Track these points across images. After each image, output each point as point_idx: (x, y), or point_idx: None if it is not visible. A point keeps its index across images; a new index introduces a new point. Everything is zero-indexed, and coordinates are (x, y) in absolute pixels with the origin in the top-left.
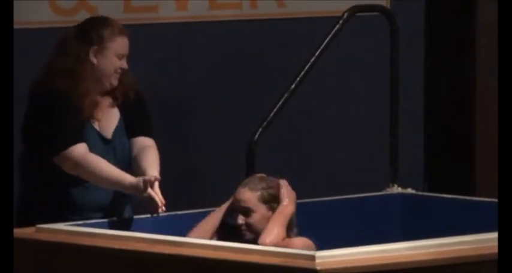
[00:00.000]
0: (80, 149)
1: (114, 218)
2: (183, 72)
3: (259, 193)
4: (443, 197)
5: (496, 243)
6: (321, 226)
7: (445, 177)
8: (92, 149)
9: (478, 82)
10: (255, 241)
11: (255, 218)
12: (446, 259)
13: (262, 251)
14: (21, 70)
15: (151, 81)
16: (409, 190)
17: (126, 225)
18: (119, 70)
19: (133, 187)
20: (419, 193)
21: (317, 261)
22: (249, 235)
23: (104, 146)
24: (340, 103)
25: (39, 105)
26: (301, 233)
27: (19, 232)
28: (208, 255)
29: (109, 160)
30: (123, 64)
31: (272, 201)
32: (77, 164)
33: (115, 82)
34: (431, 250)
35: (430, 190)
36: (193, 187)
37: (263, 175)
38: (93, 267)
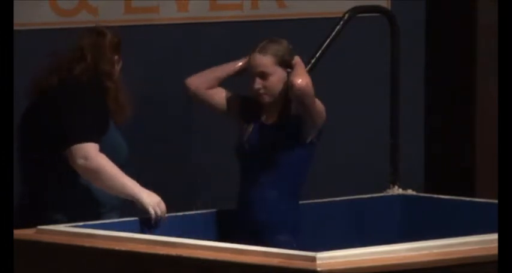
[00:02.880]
0: (92, 148)
1: (114, 219)
2: (183, 73)
3: (273, 56)
4: (444, 199)
5: (496, 244)
6: (322, 227)
7: (445, 178)
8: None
9: (478, 82)
10: (273, 107)
11: (272, 81)
12: (446, 260)
13: (262, 252)
14: (21, 70)
15: (152, 82)
16: (410, 191)
17: (126, 226)
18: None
19: (144, 208)
20: (420, 194)
21: (318, 262)
22: (267, 98)
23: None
24: (341, 103)
25: (67, 97)
26: (301, 233)
27: (19, 233)
28: (208, 257)
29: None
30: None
31: (285, 64)
32: (87, 161)
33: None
34: (432, 251)
35: (430, 191)
36: (192, 188)
37: (272, 38)
38: (93, 268)
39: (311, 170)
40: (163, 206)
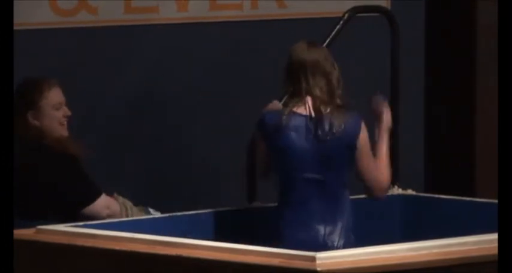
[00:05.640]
0: (103, 198)
1: (114, 219)
2: (183, 73)
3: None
4: (444, 198)
5: (496, 244)
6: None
7: (445, 178)
8: None
9: (478, 82)
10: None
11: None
12: (446, 260)
13: (262, 252)
14: (21, 70)
15: (152, 82)
16: (410, 191)
17: (126, 226)
18: (64, 120)
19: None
20: (420, 194)
21: (317, 262)
22: None
23: None
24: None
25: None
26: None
27: (19, 233)
28: (208, 257)
29: None
30: (66, 111)
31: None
32: (110, 209)
33: (64, 133)
34: (432, 251)
35: (430, 191)
36: (193, 188)
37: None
38: (93, 268)
39: None
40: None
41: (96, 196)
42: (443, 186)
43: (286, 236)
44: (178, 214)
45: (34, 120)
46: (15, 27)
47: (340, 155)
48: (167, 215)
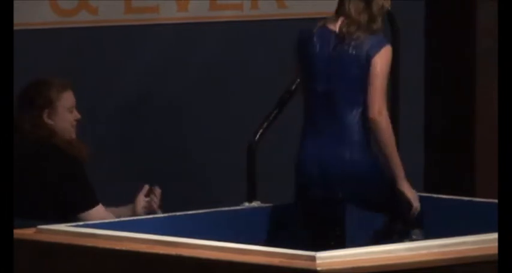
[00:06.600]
0: (100, 209)
1: (114, 219)
2: (183, 73)
3: None
4: (444, 198)
5: (496, 244)
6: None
7: (445, 178)
8: None
9: (478, 82)
10: None
11: None
12: (446, 260)
13: (262, 252)
14: (21, 70)
15: (152, 82)
16: None
17: (126, 226)
18: (74, 123)
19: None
20: (420, 194)
21: (318, 261)
22: None
23: None
24: None
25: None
26: (301, 234)
27: (19, 233)
28: (209, 256)
29: None
30: (77, 114)
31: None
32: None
33: (73, 135)
34: (432, 251)
35: (430, 191)
36: (193, 188)
37: None
38: (93, 268)
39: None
40: None
41: (93, 205)
42: (443, 186)
43: (302, 147)
44: (178, 213)
45: (48, 119)
46: (15, 27)
47: (354, 72)
48: (167, 215)
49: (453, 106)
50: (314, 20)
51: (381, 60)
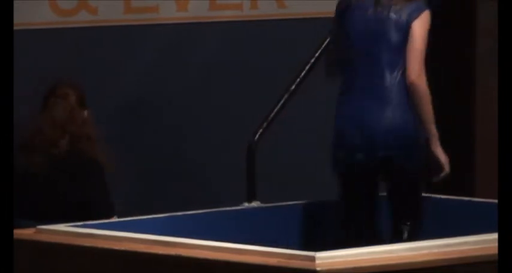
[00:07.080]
0: None
1: (114, 219)
2: (183, 73)
3: None
4: (444, 198)
5: (496, 244)
6: (322, 226)
7: (445, 178)
8: None
9: (478, 82)
10: None
11: None
12: (446, 260)
13: (261, 252)
14: (21, 70)
15: (152, 82)
16: None
17: (126, 226)
18: None
19: None
20: None
21: (317, 262)
22: None
23: None
24: None
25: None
26: (301, 234)
27: (19, 233)
28: (208, 256)
29: None
30: None
31: None
32: None
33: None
34: (432, 251)
35: (430, 191)
36: (193, 188)
37: None
38: (93, 268)
39: (312, 170)
40: None
41: (111, 215)
42: (443, 186)
43: (339, 111)
44: (178, 213)
45: (89, 117)
46: (15, 27)
47: (394, 35)
48: (167, 215)
49: (453, 106)
50: (314, 20)
51: (420, 25)
